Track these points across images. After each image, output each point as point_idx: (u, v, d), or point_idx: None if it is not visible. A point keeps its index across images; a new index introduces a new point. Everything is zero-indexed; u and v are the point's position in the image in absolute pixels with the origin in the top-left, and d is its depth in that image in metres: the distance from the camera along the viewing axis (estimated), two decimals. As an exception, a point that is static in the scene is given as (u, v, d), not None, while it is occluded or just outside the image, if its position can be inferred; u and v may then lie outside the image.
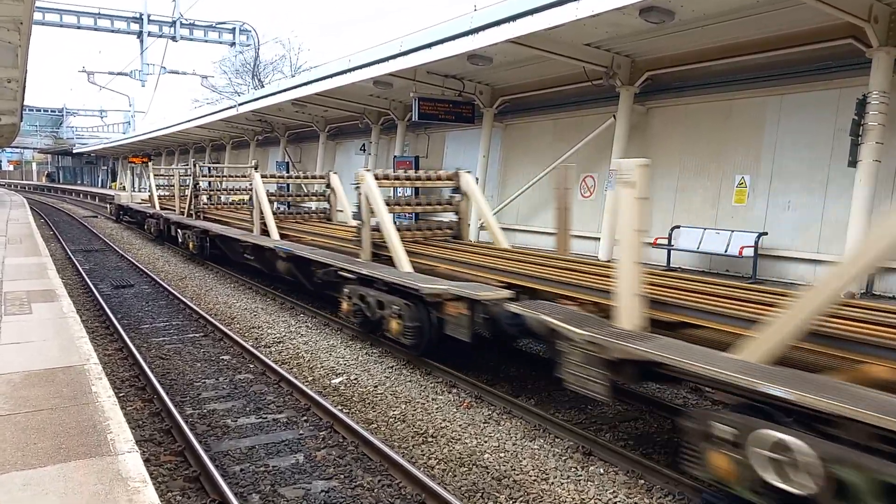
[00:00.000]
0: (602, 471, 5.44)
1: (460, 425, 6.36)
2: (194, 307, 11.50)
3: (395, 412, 6.72)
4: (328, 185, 15.18)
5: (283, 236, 13.18)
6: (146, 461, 4.92)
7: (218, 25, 41.12)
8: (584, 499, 4.96)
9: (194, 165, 19.45)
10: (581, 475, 5.35)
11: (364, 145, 24.15)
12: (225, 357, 8.72)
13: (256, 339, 9.67)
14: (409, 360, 8.42)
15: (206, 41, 41.36)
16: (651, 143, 14.33)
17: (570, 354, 5.38)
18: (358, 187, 9.86)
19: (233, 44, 42.53)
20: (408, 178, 10.95)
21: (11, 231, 18.48)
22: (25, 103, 23.77)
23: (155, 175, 26.56)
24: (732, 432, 4.13)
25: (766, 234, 11.94)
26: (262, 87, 37.94)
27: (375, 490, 5.04)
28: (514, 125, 18.33)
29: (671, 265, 13.02)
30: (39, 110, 71.79)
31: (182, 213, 20.06)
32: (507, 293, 6.89)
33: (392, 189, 15.35)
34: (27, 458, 3.96)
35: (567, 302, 6.45)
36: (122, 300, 12.51)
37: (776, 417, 4.02)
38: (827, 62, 11.14)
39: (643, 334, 5.26)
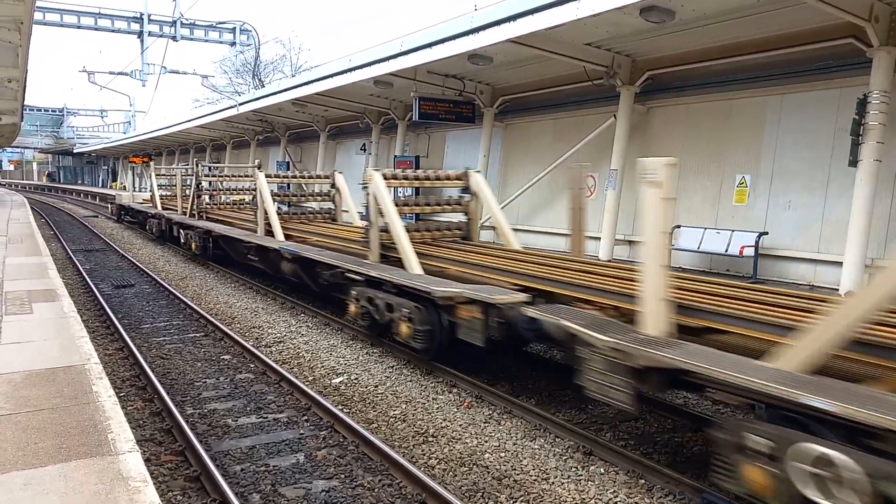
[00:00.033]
0: (602, 470, 5.44)
1: (461, 425, 6.36)
2: (195, 307, 11.50)
3: (395, 412, 6.73)
4: (333, 185, 15.03)
5: (287, 237, 13.06)
6: (147, 461, 4.93)
7: (218, 25, 41.10)
8: (584, 498, 4.97)
9: (197, 165, 19.30)
10: (581, 475, 5.35)
11: (364, 145, 24.15)
12: (225, 357, 8.73)
13: (257, 338, 9.67)
14: (409, 359, 8.42)
15: (206, 41, 41.33)
16: (651, 143, 14.32)
17: (592, 361, 5.18)
18: (366, 187, 9.69)
19: (233, 44, 42.51)
20: (416, 178, 10.70)
21: (12, 231, 18.49)
22: (26, 103, 23.78)
23: (156, 175, 26.46)
24: (769, 445, 3.94)
25: (766, 233, 11.94)
26: (263, 86, 37.97)
27: (376, 490, 5.04)
28: (515, 125, 18.33)
29: (671, 265, 13.01)
30: (40, 110, 71.82)
31: (184, 214, 19.93)
32: (522, 297, 6.69)
33: (391, 189, 15.29)
34: (28, 458, 3.96)
35: (584, 306, 6.28)
36: (122, 300, 12.52)
37: (813, 429, 3.84)
38: (827, 62, 11.13)
39: (670, 340, 5.06)
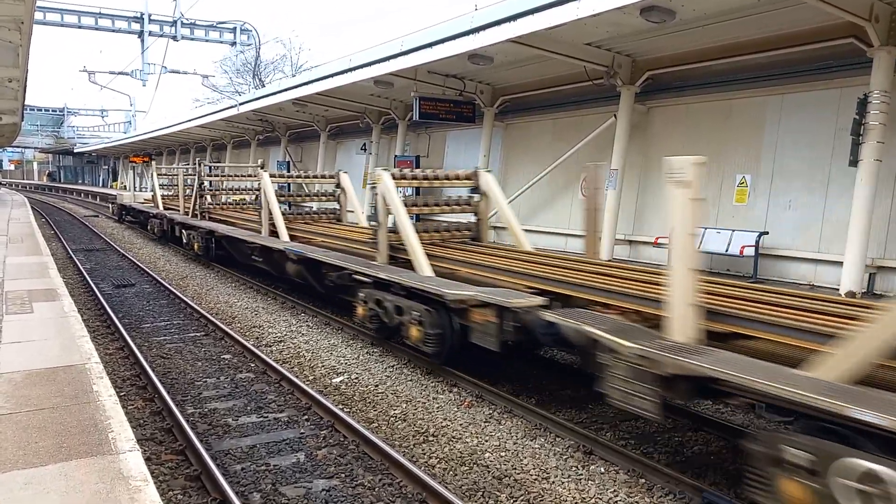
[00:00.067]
0: (603, 470, 5.44)
1: (461, 424, 6.36)
2: (195, 306, 11.51)
3: (395, 411, 6.73)
4: (338, 185, 14.86)
5: (291, 238, 12.92)
6: (147, 460, 4.94)
7: (219, 25, 41.09)
8: (584, 498, 4.97)
9: (199, 165, 19.07)
10: (582, 474, 5.35)
11: (365, 145, 24.15)
12: (226, 356, 8.73)
13: (257, 338, 9.68)
14: (409, 359, 8.42)
15: (206, 41, 41.28)
16: (652, 143, 14.33)
17: (615, 368, 4.99)
18: (374, 187, 9.52)
19: (233, 43, 42.48)
20: (425, 178, 10.48)
21: (13, 230, 18.49)
22: (26, 103, 23.76)
23: (158, 174, 26.26)
24: (810, 459, 3.77)
25: (766, 233, 11.93)
26: (263, 86, 37.97)
27: (376, 489, 5.04)
28: (515, 125, 18.33)
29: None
30: (40, 110, 71.81)
31: (186, 214, 19.79)
32: (539, 300, 6.49)
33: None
34: (28, 457, 3.97)
35: (602, 309, 6.13)
36: (123, 299, 12.52)
37: (856, 442, 3.69)
38: (828, 62, 11.13)
39: (698, 347, 4.88)
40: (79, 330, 7.07)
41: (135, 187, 41.53)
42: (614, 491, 5.07)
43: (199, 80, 49.89)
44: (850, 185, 10.24)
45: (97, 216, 35.55)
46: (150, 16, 38.59)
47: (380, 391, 7.33)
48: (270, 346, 9.22)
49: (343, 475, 5.27)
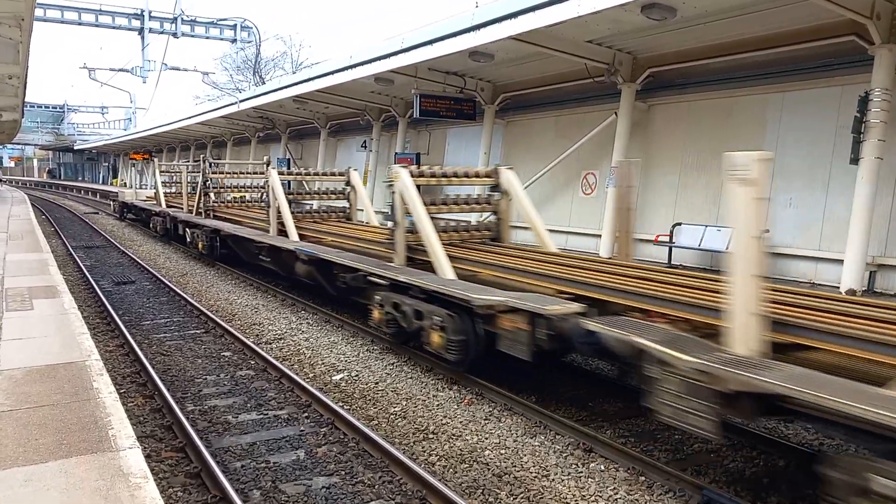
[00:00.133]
0: (603, 467, 5.44)
1: (461, 422, 6.36)
2: (195, 304, 11.51)
3: (395, 409, 6.73)
4: (348, 183, 14.59)
5: (300, 237, 12.63)
6: (147, 457, 4.94)
7: (219, 22, 41.07)
8: (584, 495, 4.97)
9: (203, 162, 18.66)
10: (582, 472, 5.35)
11: (365, 142, 24.14)
12: (226, 353, 8.73)
13: (257, 335, 9.68)
14: (409, 356, 8.42)
15: (207, 38, 41.24)
16: (653, 141, 14.31)
17: (667, 382, 4.61)
18: (391, 185, 9.14)
19: (234, 40, 42.46)
20: (444, 175, 9.96)
21: (13, 227, 18.49)
22: (27, 100, 23.71)
23: (160, 172, 25.85)
24: None
25: (767, 231, 11.92)
26: (264, 83, 37.93)
27: (376, 486, 5.05)
28: (516, 122, 18.31)
29: (672, 263, 13.01)
30: (41, 107, 71.79)
31: (190, 212, 19.51)
32: (577, 307, 6.06)
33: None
34: (28, 454, 3.97)
35: (641, 316, 5.77)
36: (123, 297, 12.52)
37: None
38: (829, 59, 11.11)
39: (763, 361, 4.49)
40: (79, 327, 7.07)
41: (136, 185, 41.47)
42: (614, 488, 5.07)
43: (200, 77, 49.85)
44: (850, 183, 10.23)
45: (97, 213, 35.55)
46: (150, 12, 38.57)
47: (380, 388, 7.33)
48: (270, 344, 9.22)
49: (343, 472, 5.27)
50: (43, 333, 6.74)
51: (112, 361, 8.09)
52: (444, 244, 8.80)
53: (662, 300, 5.77)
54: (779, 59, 11.73)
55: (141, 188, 38.12)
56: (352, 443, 5.83)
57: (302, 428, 6.19)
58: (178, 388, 7.27)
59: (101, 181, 72.87)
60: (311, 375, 7.82)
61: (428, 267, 8.56)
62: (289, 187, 23.66)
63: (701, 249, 12.81)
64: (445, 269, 8.24)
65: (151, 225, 23.75)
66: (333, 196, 15.27)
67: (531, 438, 6.00)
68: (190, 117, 35.01)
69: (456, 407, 6.78)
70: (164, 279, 14.09)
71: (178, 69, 41.68)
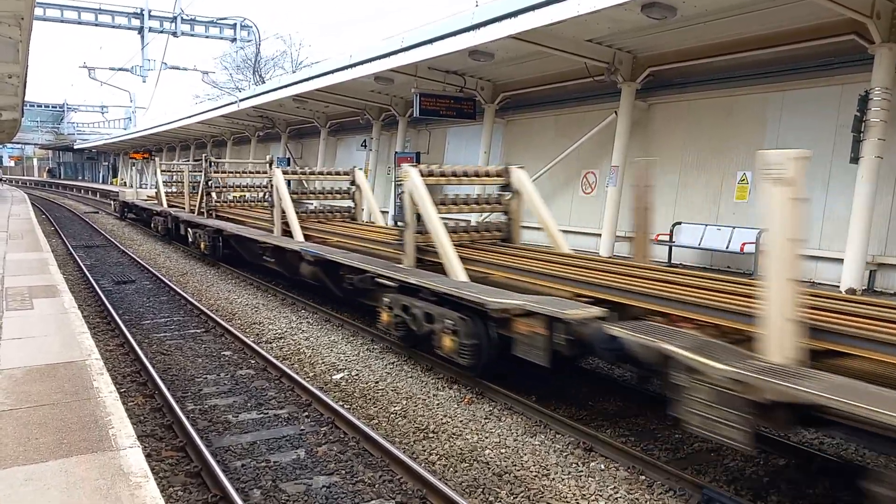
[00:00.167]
0: (603, 467, 5.44)
1: (461, 421, 6.37)
2: (195, 303, 11.51)
3: (396, 408, 6.73)
4: (353, 182, 14.42)
5: (305, 237, 12.47)
6: (147, 456, 4.94)
7: (219, 21, 41.08)
8: (584, 494, 4.97)
9: (206, 161, 18.43)
10: (582, 471, 5.35)
11: (365, 141, 24.14)
12: (226, 353, 8.73)
13: (258, 334, 9.68)
14: (409, 356, 8.42)
15: (206, 37, 41.27)
16: (652, 140, 14.31)
17: (696, 391, 4.44)
18: (401, 185, 8.96)
19: (234, 40, 42.47)
20: (454, 174, 9.67)
21: (13, 226, 18.49)
22: (26, 99, 23.72)
23: (161, 171, 25.69)
24: None
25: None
26: (263, 82, 37.93)
27: (377, 485, 5.05)
28: (516, 121, 18.31)
29: (672, 262, 13.02)
30: (40, 106, 71.78)
31: (192, 211, 19.37)
32: (598, 311, 5.85)
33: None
34: (29, 454, 3.97)
35: (660, 320, 5.63)
36: (123, 296, 12.52)
37: None
38: (829, 58, 11.11)
39: (801, 370, 4.31)
40: (79, 326, 7.07)
41: (136, 184, 41.46)
42: (614, 487, 5.08)
43: (200, 76, 49.98)
44: (850, 183, 10.23)
45: (97, 212, 35.55)
46: (150, 12, 38.61)
47: (380, 388, 7.33)
48: (271, 343, 9.23)
49: (343, 472, 5.28)
50: (43, 333, 6.74)
51: (112, 361, 8.09)
52: (454, 245, 8.59)
53: (687, 304, 5.56)
54: (779, 59, 11.73)
55: (141, 187, 38.08)
56: (352, 442, 5.83)
57: (302, 427, 6.19)
58: (178, 387, 7.27)
59: (100, 180, 72.87)
60: (311, 374, 7.82)
61: (438, 268, 8.37)
62: (289, 186, 23.67)
63: (701, 248, 12.82)
64: (457, 271, 8.05)
65: (153, 225, 23.61)
66: (339, 196, 15.04)
67: (531, 437, 6.00)
68: (190, 116, 35.00)
69: (456, 406, 6.78)
70: (164, 278, 14.09)
71: (177, 68, 41.78)
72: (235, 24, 41.41)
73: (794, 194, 4.40)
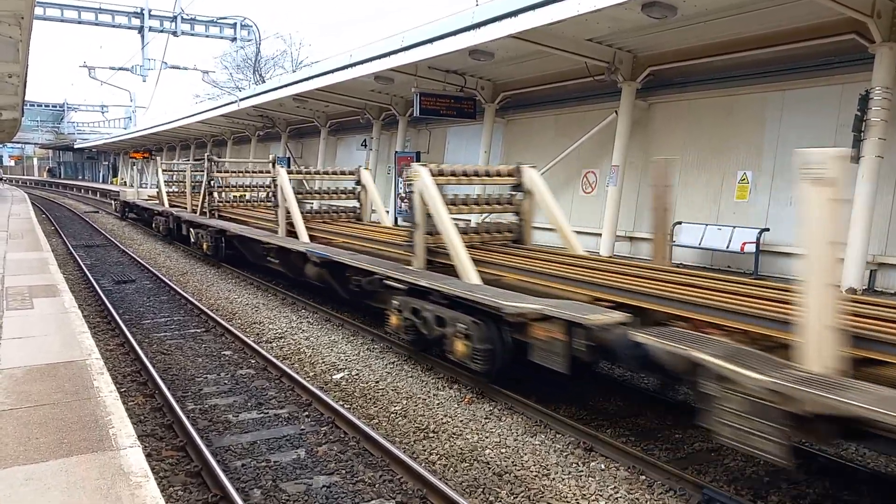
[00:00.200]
0: (603, 466, 5.44)
1: (461, 421, 6.37)
2: (196, 303, 11.52)
3: (396, 408, 6.73)
4: (358, 182, 14.32)
5: (310, 238, 12.35)
6: (148, 456, 4.94)
7: (219, 21, 41.05)
8: (585, 494, 4.97)
9: (208, 160, 18.33)
10: (582, 471, 5.35)
11: (365, 140, 24.12)
12: (226, 352, 8.73)
13: (258, 334, 9.68)
14: (410, 355, 8.42)
15: (207, 36, 41.20)
16: (653, 139, 14.30)
17: (728, 401, 4.25)
18: (410, 185, 8.79)
19: (234, 39, 42.42)
20: (464, 174, 9.39)
21: (13, 226, 18.49)
22: (26, 98, 23.71)
23: (163, 171, 25.48)
24: None
25: (767, 230, 11.92)
26: (263, 82, 37.92)
27: (377, 485, 5.05)
28: (516, 120, 18.30)
29: (672, 261, 13.01)
30: (40, 105, 71.77)
31: (194, 211, 19.28)
32: (620, 316, 5.65)
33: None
34: (29, 453, 3.97)
35: (684, 325, 5.45)
36: (123, 295, 12.53)
37: None
38: (829, 58, 11.10)
39: (843, 380, 4.11)
40: (79, 326, 7.07)
41: (137, 184, 41.41)
42: (615, 487, 5.08)
43: (200, 75, 49.97)
44: (850, 182, 10.22)
45: (97, 212, 35.56)
46: (150, 11, 38.55)
47: (380, 387, 7.33)
48: (271, 343, 9.23)
49: (344, 471, 5.28)
50: (43, 332, 6.74)
51: (112, 360, 8.09)
52: (465, 246, 8.38)
53: (713, 309, 5.38)
54: (779, 58, 11.72)
55: (142, 187, 38.05)
56: (352, 442, 5.83)
57: (302, 427, 6.19)
58: (178, 386, 7.27)
59: (101, 180, 72.85)
60: (311, 374, 7.82)
61: (449, 271, 8.18)
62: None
63: (701, 248, 12.81)
64: (470, 274, 7.84)
65: (154, 225, 23.53)
66: (344, 196, 14.86)
67: (531, 437, 6.00)
68: (190, 116, 34.99)
69: (456, 406, 6.78)
70: (164, 278, 14.09)
71: (178, 68, 41.71)
72: (235, 24, 41.36)
73: (835, 195, 4.21)
